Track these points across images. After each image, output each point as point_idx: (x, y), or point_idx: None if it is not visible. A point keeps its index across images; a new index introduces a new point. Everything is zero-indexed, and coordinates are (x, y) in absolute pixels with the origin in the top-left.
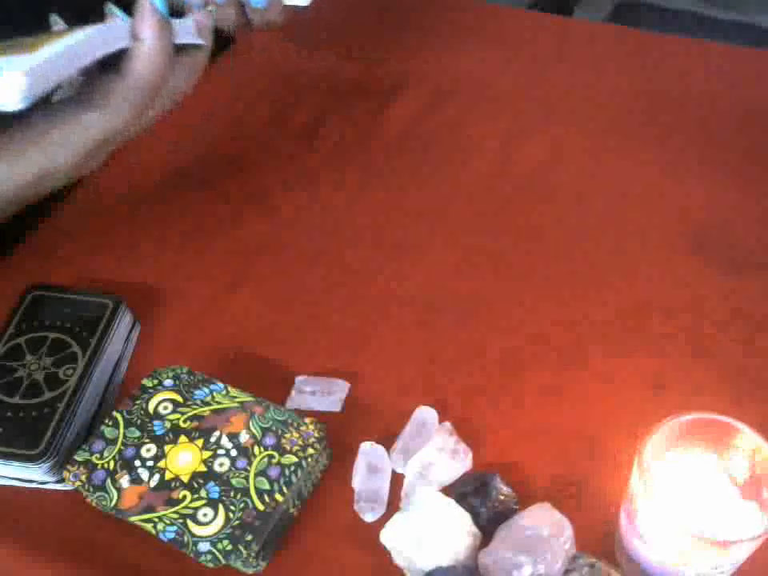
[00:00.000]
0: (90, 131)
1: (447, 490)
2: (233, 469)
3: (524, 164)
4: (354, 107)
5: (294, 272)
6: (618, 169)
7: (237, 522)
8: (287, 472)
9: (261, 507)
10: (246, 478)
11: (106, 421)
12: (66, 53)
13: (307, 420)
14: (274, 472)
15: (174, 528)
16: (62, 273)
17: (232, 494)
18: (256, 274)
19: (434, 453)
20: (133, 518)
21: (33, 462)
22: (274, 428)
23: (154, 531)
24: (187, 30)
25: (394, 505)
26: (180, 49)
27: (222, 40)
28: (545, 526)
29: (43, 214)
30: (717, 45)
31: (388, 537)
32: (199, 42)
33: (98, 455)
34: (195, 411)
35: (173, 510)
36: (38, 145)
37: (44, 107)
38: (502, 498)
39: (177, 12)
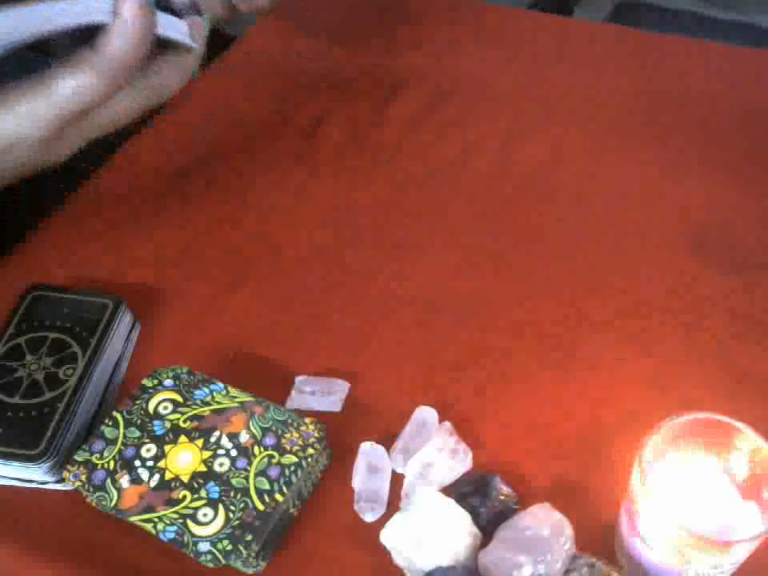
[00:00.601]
0: (59, 102)
1: (447, 490)
2: (233, 469)
3: (524, 164)
4: (354, 107)
5: (294, 272)
6: (618, 169)
7: (237, 522)
8: (287, 472)
9: (261, 507)
10: (246, 478)
11: (106, 421)
12: (31, 12)
13: (307, 420)
14: (274, 472)
15: (174, 528)
16: (62, 273)
17: (232, 494)
18: (256, 273)
19: (433, 453)
20: (133, 518)
21: (33, 462)
22: (273, 428)
23: (153, 531)
24: (178, 29)
25: (394, 505)
26: (170, 48)
27: (222, 40)
28: (545, 526)
29: (43, 214)
30: (717, 45)
31: (388, 537)
32: (190, 43)
33: (97, 455)
34: (195, 411)
35: (173, 510)
36: (4, 113)
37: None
38: (502, 498)
39: (175, 12)
